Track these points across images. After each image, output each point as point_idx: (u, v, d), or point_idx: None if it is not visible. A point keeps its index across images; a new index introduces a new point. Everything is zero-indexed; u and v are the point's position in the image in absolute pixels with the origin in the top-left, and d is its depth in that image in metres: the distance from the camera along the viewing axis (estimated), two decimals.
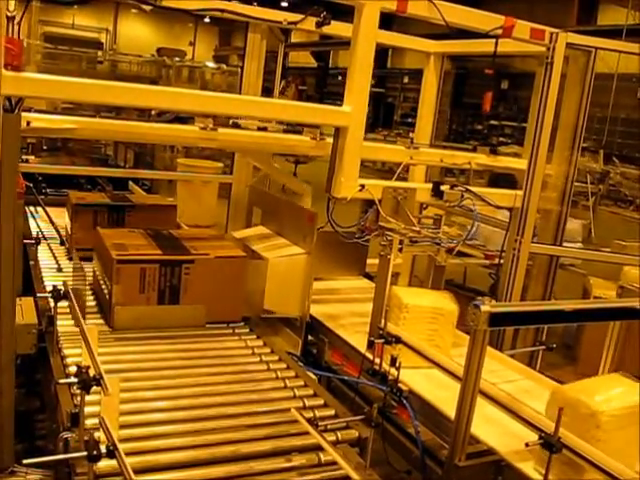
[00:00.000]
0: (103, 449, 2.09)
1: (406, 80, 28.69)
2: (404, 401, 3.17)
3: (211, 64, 18.55)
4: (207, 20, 36.72)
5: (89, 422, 2.39)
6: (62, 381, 2.53)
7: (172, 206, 4.85)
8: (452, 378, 3.10)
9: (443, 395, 3.19)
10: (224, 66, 17.15)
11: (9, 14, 2.67)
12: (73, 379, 2.34)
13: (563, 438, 2.37)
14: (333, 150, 3.60)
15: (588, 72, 4.21)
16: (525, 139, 4.79)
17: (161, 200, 5.32)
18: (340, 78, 32.02)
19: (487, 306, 2.42)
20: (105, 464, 2.21)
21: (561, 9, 19.58)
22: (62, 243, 4.51)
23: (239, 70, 18.20)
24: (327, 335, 4.03)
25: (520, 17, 3.93)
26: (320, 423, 2.77)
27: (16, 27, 2.75)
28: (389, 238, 3.56)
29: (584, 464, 2.32)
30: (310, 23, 4.73)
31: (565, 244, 5.29)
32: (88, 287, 3.82)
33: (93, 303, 3.80)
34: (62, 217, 4.89)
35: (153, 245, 3.68)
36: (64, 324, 3.32)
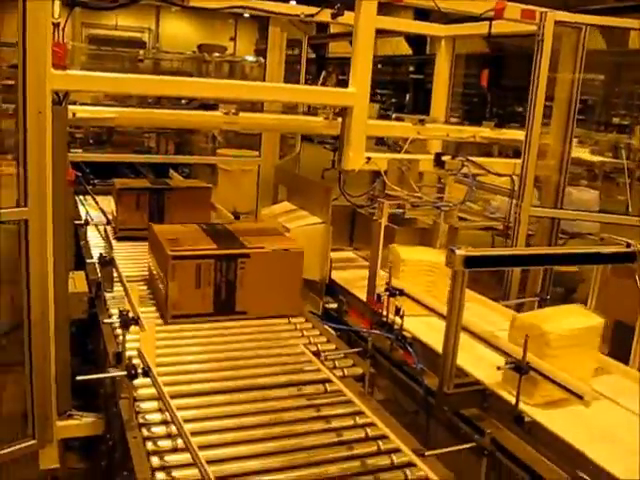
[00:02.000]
0: (140, 371, 2.58)
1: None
2: (408, 347, 3.60)
3: (250, 58, 19.03)
4: (247, 15, 37.34)
5: None
6: (106, 320, 3.02)
7: (207, 188, 5.33)
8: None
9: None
10: (262, 59, 17.59)
11: (54, 21, 3.16)
12: (115, 319, 2.84)
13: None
14: (342, 128, 4.03)
15: (579, 48, 4.53)
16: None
17: (197, 183, 5.82)
18: (380, 66, 32.33)
19: (462, 250, 2.83)
20: (145, 392, 2.70)
21: None
22: (108, 223, 5.04)
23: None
24: (345, 296, 4.48)
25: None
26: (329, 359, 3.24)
27: (61, 32, 3.25)
28: (381, 204, 3.96)
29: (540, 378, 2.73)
30: (326, 15, 5.17)
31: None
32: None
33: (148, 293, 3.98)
34: (109, 204, 5.44)
35: (208, 240, 3.71)
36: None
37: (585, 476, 2.52)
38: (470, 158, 4.31)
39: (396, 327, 3.68)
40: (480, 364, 3.31)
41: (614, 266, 4.02)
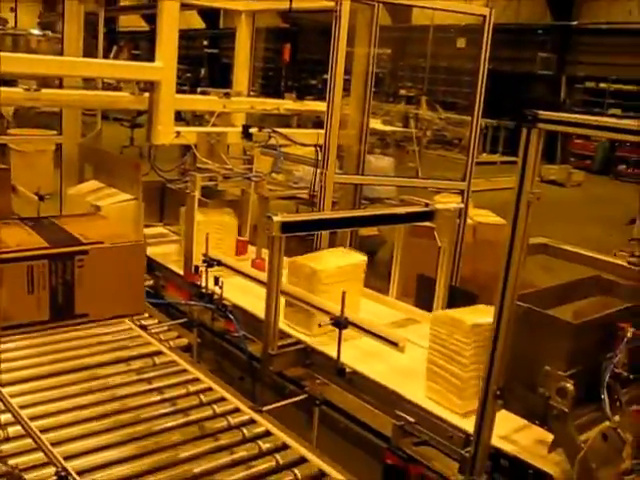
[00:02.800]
0: None
1: None
2: (230, 315, 3.71)
3: (36, 31, 17.89)
4: None
5: None
6: None
7: (5, 169, 4.94)
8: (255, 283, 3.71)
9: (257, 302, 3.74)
10: (50, 33, 16.64)
11: None
12: None
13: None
14: (150, 102, 4.00)
15: (373, 24, 4.83)
16: None
17: None
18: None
19: (279, 217, 2.98)
20: None
21: None
22: None
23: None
24: (161, 271, 4.49)
25: None
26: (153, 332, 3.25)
27: None
28: (193, 177, 4.03)
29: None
30: None
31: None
32: None
33: None
34: None
35: (37, 238, 3.24)
36: None
37: (403, 414, 2.79)
38: (276, 130, 4.46)
39: (216, 297, 3.78)
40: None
41: (412, 227, 4.38)
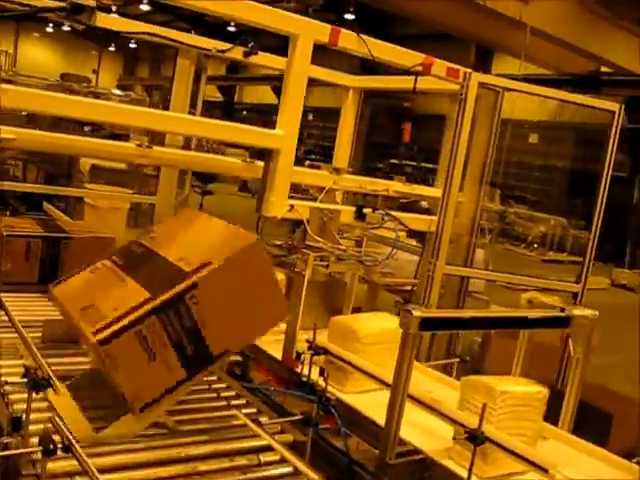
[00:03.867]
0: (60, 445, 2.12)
1: (310, 117, 29.29)
2: (332, 410, 3.35)
3: (118, 92, 18.38)
4: (112, 48, 36.45)
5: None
6: (12, 380, 2.49)
7: (110, 238, 4.48)
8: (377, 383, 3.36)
9: (368, 401, 3.41)
10: (132, 94, 17.07)
11: None
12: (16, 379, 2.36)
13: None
14: (265, 171, 3.77)
15: (496, 111, 4.59)
16: (438, 170, 5.14)
17: (98, 231, 4.66)
18: (245, 113, 32.48)
19: (418, 311, 2.64)
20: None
21: (460, 54, 20.67)
22: None
23: (147, 99, 18.03)
24: (251, 351, 4.16)
25: None
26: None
27: None
28: (305, 255, 3.75)
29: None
30: (238, 52, 4.94)
31: None
32: None
33: None
34: None
35: (134, 287, 2.69)
36: None
37: None
38: (389, 212, 4.19)
39: (318, 388, 3.44)
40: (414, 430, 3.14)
41: None
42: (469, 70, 4.31)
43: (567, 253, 19.23)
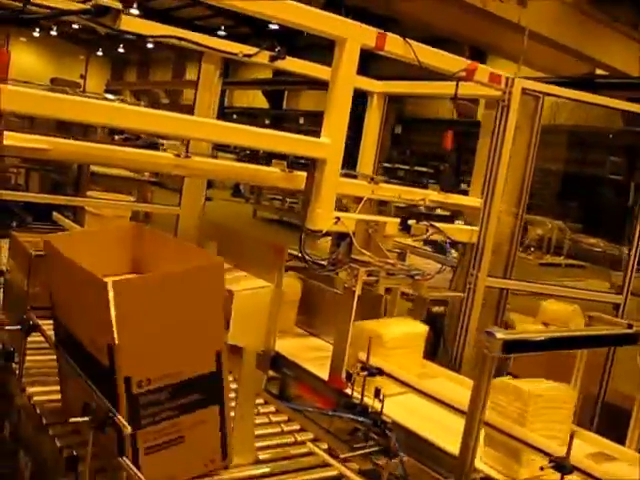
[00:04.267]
0: None
1: (302, 121, 29.08)
2: (389, 433, 3.17)
3: (111, 96, 18.13)
4: (99, 53, 36.09)
5: None
6: (73, 420, 2.26)
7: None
8: (438, 405, 3.20)
9: (425, 424, 3.25)
10: (127, 99, 16.84)
11: None
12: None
13: None
14: (309, 181, 3.59)
15: (536, 116, 4.44)
16: (472, 178, 4.99)
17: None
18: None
19: (501, 334, 2.47)
20: None
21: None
22: None
23: (141, 104, 17.77)
24: (292, 369, 3.98)
25: None
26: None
27: None
28: (356, 270, 3.58)
29: None
30: (264, 57, 4.75)
31: None
32: None
33: None
34: None
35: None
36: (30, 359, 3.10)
37: None
38: (432, 223, 4.03)
39: (372, 410, 3.27)
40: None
41: None
42: (511, 75, 4.16)
43: (564, 257, 19.17)
